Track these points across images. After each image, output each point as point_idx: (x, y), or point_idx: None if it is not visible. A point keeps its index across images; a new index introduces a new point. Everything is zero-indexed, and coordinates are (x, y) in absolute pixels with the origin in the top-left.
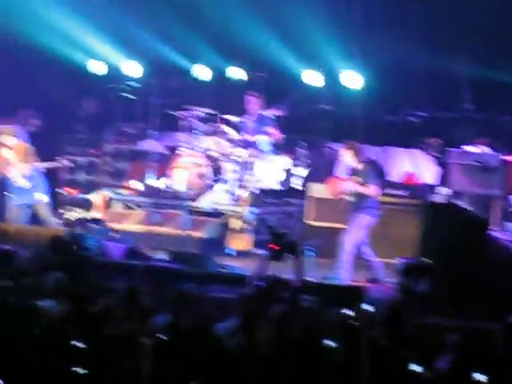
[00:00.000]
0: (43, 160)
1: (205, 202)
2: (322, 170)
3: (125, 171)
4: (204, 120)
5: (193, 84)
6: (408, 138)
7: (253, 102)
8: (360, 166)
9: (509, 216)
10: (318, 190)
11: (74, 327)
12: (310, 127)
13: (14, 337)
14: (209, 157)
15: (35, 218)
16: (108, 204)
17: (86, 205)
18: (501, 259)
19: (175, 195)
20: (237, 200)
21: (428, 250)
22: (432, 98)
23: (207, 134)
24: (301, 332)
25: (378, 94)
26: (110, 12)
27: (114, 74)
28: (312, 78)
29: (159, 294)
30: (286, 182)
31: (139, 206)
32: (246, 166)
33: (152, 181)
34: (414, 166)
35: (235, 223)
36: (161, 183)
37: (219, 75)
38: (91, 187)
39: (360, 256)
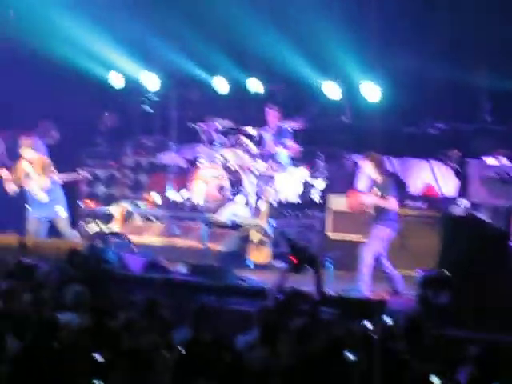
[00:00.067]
0: (63, 173)
1: (224, 215)
2: (341, 182)
3: (144, 184)
4: (223, 132)
5: (212, 96)
6: (427, 150)
7: (272, 115)
8: (380, 178)
9: None
10: (338, 202)
11: (93, 340)
12: (328, 139)
13: (34, 350)
14: (228, 169)
15: (55, 231)
16: (127, 217)
17: (106, 217)
18: None
19: (194, 208)
20: (256, 212)
21: (447, 262)
22: (451, 109)
23: (226, 146)
24: (321, 344)
25: (397, 106)
26: (130, 25)
27: (134, 87)
28: (330, 89)
29: (179, 306)
30: (304, 195)
31: (158, 219)
32: (264, 179)
33: (171, 193)
34: (434, 177)
35: (254, 236)
36: (180, 196)
37: (238, 87)
38: (110, 200)
39: (379, 268)
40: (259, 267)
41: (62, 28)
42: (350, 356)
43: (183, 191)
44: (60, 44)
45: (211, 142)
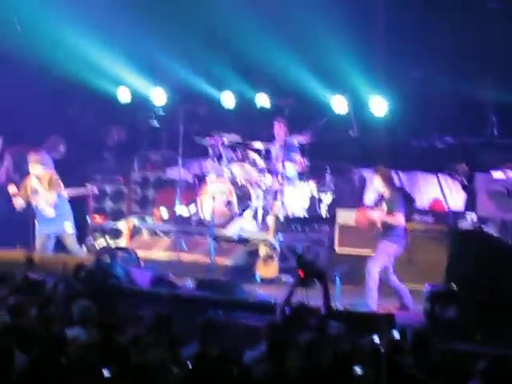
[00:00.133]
0: (70, 187)
1: (232, 229)
2: (348, 196)
3: (152, 199)
4: (231, 147)
5: (219, 111)
6: (435, 164)
7: (280, 128)
8: (387, 193)
9: None
10: (345, 216)
11: (101, 355)
12: (336, 153)
13: (41, 365)
14: (235, 184)
15: (62, 247)
16: (135, 232)
17: (114, 232)
18: None
19: (202, 222)
20: (263, 227)
21: (455, 276)
22: (458, 123)
23: (234, 161)
24: (329, 359)
25: (404, 120)
26: (137, 40)
27: (141, 102)
28: (338, 104)
29: (186, 321)
30: (312, 209)
31: (166, 234)
32: (272, 193)
33: (179, 208)
34: (441, 191)
35: (262, 250)
36: (188, 211)
37: (245, 102)
38: (118, 215)
39: (387, 283)
40: (267, 281)
41: (69, 42)
42: (358, 370)
43: (191, 206)
44: (67, 58)
45: (219, 157)
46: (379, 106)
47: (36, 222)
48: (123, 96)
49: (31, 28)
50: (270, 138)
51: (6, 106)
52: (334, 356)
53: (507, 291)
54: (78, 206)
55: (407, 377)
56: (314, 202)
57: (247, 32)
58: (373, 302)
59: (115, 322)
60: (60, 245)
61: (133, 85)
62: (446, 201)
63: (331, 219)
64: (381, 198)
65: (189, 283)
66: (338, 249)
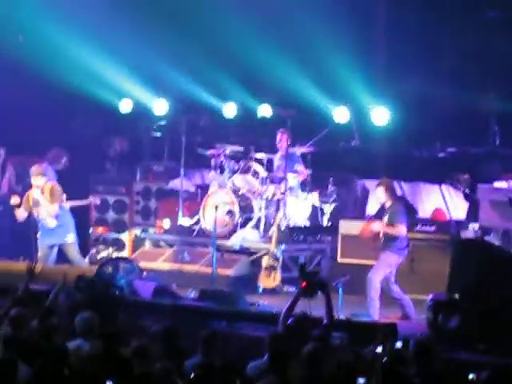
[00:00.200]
0: (72, 198)
1: (234, 240)
2: (350, 206)
3: (154, 210)
4: (233, 158)
5: (221, 122)
6: (437, 174)
7: (283, 139)
8: (389, 203)
9: None
10: (349, 226)
11: (104, 367)
12: (338, 163)
13: (44, 376)
14: (238, 194)
15: (64, 258)
16: (137, 242)
17: (116, 243)
18: None
19: (204, 233)
20: (266, 237)
21: (457, 286)
22: (460, 133)
23: (236, 171)
24: (331, 369)
25: (406, 130)
26: (139, 50)
27: (144, 113)
28: (340, 114)
29: (189, 332)
30: (314, 219)
31: (169, 245)
32: (274, 204)
33: (182, 219)
34: (443, 201)
35: (264, 260)
36: (190, 221)
37: (248, 113)
38: (120, 226)
39: (388, 294)
40: (269, 292)
41: (71, 54)
42: (361, 381)
43: (194, 217)
44: (69, 69)
45: (221, 168)
46: (381, 116)
47: (38, 233)
48: (125, 107)
49: (34, 39)
50: (272, 148)
51: (8, 117)
52: (337, 366)
53: (509, 300)
54: (81, 217)
55: None
56: (317, 213)
57: (250, 43)
58: (375, 311)
59: (117, 333)
60: (62, 256)
61: (135, 95)
62: (448, 211)
63: (334, 229)
64: (382, 208)
65: (191, 294)
66: (340, 259)
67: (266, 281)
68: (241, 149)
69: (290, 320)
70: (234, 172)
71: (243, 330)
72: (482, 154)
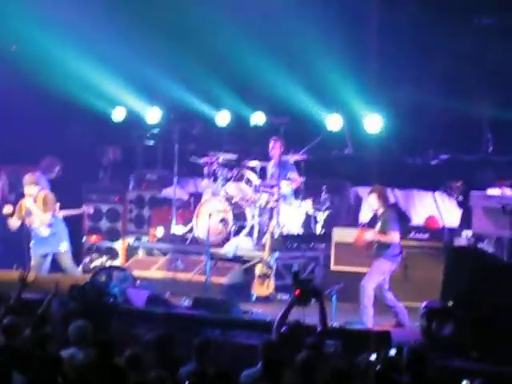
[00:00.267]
0: (66, 207)
1: (228, 248)
2: (344, 214)
3: (147, 218)
4: (227, 166)
5: (214, 130)
6: (430, 181)
7: (276, 147)
8: (381, 210)
9: None
10: (342, 234)
11: (97, 375)
12: (331, 171)
13: None
14: (231, 202)
15: (57, 266)
16: (130, 251)
17: (110, 252)
18: None
19: (198, 241)
20: (259, 245)
21: (451, 293)
22: (453, 140)
23: (230, 179)
24: (325, 377)
25: (399, 137)
26: (132, 59)
27: (137, 121)
28: (333, 122)
29: (183, 340)
30: (307, 227)
31: (162, 253)
32: (268, 211)
33: (175, 227)
34: (437, 209)
35: (258, 268)
36: (184, 230)
37: (241, 121)
38: (114, 234)
39: (382, 301)
40: (263, 300)
41: (65, 63)
42: None
43: (187, 225)
44: (62, 78)
45: (214, 176)
46: (374, 123)
47: (31, 242)
48: (118, 115)
49: (28, 49)
50: (265, 156)
51: (1, 126)
52: (331, 374)
53: (502, 308)
54: (74, 226)
55: None
56: (310, 220)
57: (243, 51)
58: (368, 319)
59: (110, 341)
60: (56, 265)
61: (128, 104)
62: (441, 218)
63: (327, 237)
64: (375, 215)
65: (185, 302)
66: (333, 267)
67: (260, 289)
68: (234, 157)
69: (283, 328)
70: (227, 180)
71: (237, 338)
72: (476, 162)
